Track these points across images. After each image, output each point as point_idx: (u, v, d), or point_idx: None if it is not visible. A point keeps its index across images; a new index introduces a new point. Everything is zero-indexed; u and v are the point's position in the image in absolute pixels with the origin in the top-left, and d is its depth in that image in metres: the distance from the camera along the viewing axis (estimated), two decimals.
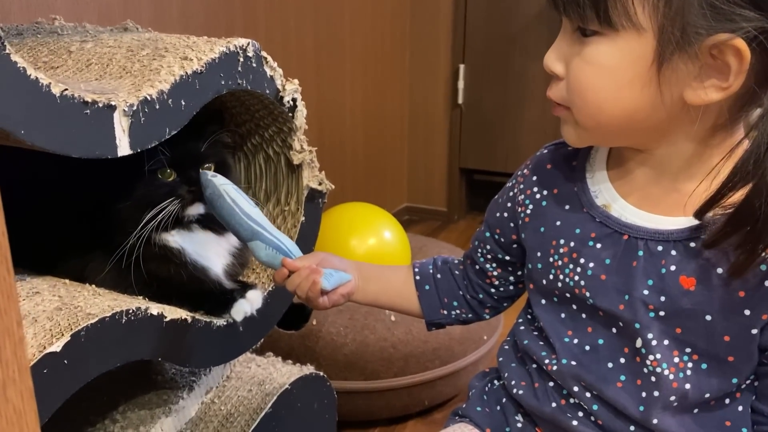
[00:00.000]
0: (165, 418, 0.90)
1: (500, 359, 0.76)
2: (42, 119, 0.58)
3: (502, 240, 0.75)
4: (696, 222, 0.57)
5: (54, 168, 0.83)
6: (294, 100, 0.90)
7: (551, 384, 0.67)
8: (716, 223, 0.54)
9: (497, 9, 2.35)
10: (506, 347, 0.76)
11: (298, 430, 1.04)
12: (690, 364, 0.59)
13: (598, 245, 0.63)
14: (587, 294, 0.63)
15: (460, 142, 2.54)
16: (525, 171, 0.73)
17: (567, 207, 0.66)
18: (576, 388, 0.65)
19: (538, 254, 0.68)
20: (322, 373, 1.07)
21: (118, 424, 0.88)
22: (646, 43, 0.53)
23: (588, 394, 0.64)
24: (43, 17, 1.00)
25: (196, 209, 0.83)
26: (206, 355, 0.86)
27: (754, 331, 0.56)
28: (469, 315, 0.81)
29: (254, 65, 0.82)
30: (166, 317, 0.75)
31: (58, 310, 0.67)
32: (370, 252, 1.52)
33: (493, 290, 0.79)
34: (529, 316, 0.73)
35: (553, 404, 0.67)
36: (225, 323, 0.85)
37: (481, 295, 0.80)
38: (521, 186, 0.72)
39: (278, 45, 1.77)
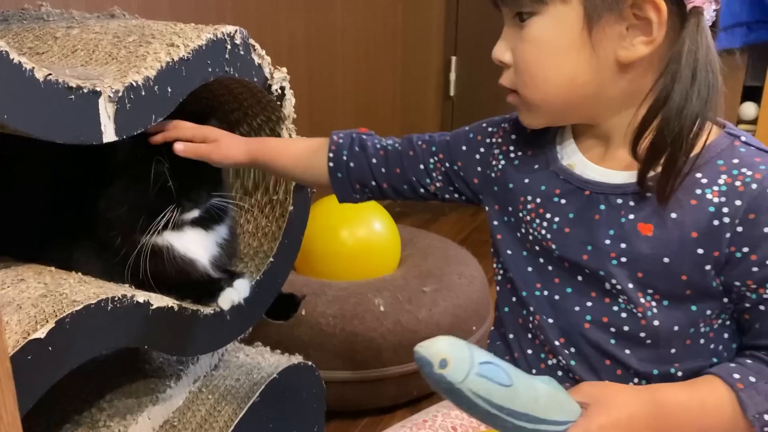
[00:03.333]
0: (152, 406, 0.90)
1: (488, 341, 0.78)
2: (25, 104, 0.58)
3: (461, 174, 0.77)
4: (651, 174, 0.62)
5: (39, 156, 0.83)
6: (282, 88, 0.90)
7: (530, 351, 0.71)
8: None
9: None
10: (492, 329, 0.78)
11: (286, 419, 1.04)
12: (654, 303, 0.63)
13: (563, 201, 0.67)
14: (553, 246, 0.67)
15: None
16: (505, 125, 0.76)
17: (536, 166, 0.71)
18: (557, 342, 0.68)
19: (510, 209, 0.72)
20: (310, 363, 1.07)
21: (105, 413, 0.88)
22: (573, 10, 0.60)
23: (566, 351, 0.68)
24: (29, 3, 0.99)
25: (192, 214, 0.84)
26: (193, 343, 0.86)
27: (707, 267, 0.61)
28: (380, 197, 0.84)
29: (242, 53, 0.81)
30: (152, 305, 0.75)
31: (43, 297, 0.66)
32: (360, 243, 1.52)
33: (422, 191, 0.80)
34: (499, 277, 0.75)
35: (534, 371, 0.70)
36: (212, 312, 0.85)
37: (405, 186, 0.81)
38: (499, 140, 0.75)
39: (269, 35, 1.76)
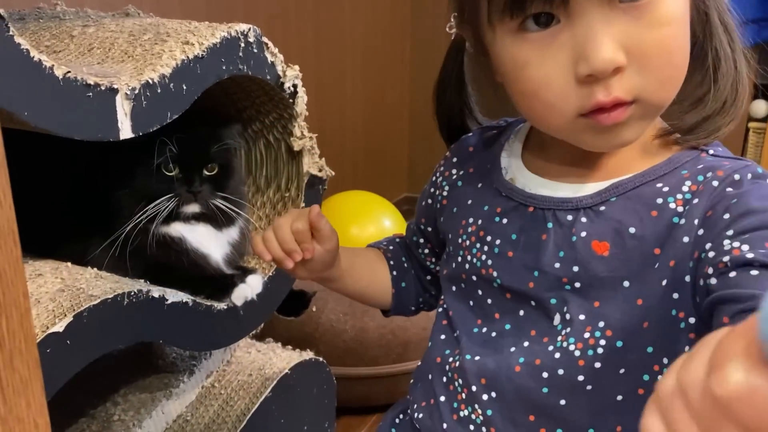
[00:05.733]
0: (165, 401, 0.91)
1: (411, 381, 0.71)
2: (45, 101, 0.59)
3: (429, 229, 0.73)
4: (605, 185, 0.55)
5: (55, 151, 0.84)
6: (295, 86, 0.90)
7: (443, 398, 0.62)
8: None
9: None
10: (419, 364, 0.70)
11: (298, 414, 1.05)
12: (602, 342, 0.53)
13: (504, 220, 0.59)
14: (494, 274, 0.58)
15: None
16: (447, 153, 0.70)
17: (479, 185, 0.63)
18: (475, 387, 0.59)
19: (450, 236, 0.65)
20: (321, 359, 1.08)
21: (119, 407, 0.89)
22: None
23: (485, 396, 0.58)
24: (44, 2, 1.00)
25: (192, 208, 0.84)
26: (207, 338, 0.86)
27: (665, 282, 0.51)
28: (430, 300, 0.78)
29: (255, 51, 0.82)
30: (167, 300, 0.76)
31: (60, 292, 0.67)
32: (369, 240, 1.52)
33: (433, 269, 0.75)
34: (440, 309, 0.68)
35: (444, 425, 0.62)
36: (226, 307, 0.86)
37: (428, 276, 0.76)
38: (441, 169, 0.70)
39: (279, 34, 1.77)
